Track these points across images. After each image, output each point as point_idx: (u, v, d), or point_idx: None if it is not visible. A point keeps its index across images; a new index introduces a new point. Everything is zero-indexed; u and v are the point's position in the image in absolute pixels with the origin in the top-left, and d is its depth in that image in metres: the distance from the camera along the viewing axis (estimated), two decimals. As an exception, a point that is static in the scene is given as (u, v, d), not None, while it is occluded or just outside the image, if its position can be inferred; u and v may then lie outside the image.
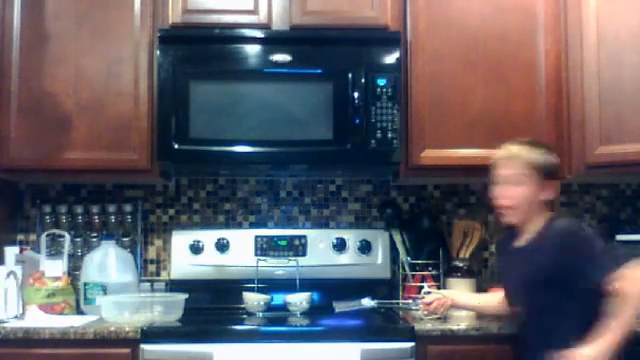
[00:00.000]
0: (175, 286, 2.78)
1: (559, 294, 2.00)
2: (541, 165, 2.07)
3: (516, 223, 2.12)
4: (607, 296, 1.90)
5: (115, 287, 2.57)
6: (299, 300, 2.60)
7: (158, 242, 2.94)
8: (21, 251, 2.64)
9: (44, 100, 2.58)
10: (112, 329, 2.23)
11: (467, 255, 2.80)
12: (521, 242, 2.13)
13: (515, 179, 2.06)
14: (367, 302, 2.57)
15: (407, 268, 2.82)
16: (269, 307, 2.61)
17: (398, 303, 2.66)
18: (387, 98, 2.53)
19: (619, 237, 2.57)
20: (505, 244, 2.23)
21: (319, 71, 2.58)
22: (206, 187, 2.97)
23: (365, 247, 2.84)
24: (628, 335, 1.87)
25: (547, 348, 1.98)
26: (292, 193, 2.99)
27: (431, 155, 2.61)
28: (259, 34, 2.59)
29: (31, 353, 2.21)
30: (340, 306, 2.55)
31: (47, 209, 2.86)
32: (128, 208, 2.88)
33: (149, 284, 2.81)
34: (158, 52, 2.54)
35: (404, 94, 2.60)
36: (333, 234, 2.87)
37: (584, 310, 1.99)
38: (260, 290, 2.68)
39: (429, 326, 2.28)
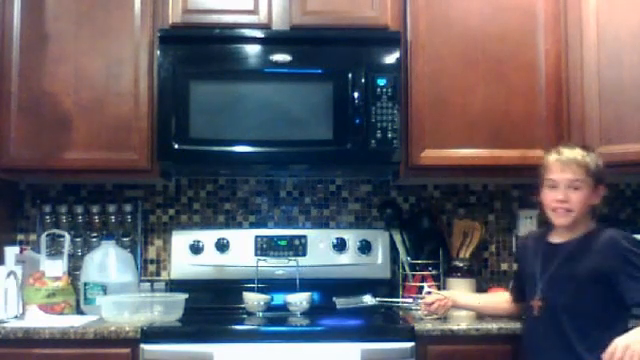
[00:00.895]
0: (175, 286, 2.78)
1: (594, 297, 2.00)
2: (595, 170, 2.08)
3: (567, 225, 2.10)
4: None
5: (115, 287, 2.56)
6: (299, 300, 2.60)
7: (158, 242, 2.94)
8: (21, 251, 2.64)
9: (44, 100, 2.58)
10: (112, 329, 2.23)
11: (467, 255, 2.80)
12: (561, 239, 2.12)
13: (573, 184, 2.06)
14: (368, 299, 2.57)
15: (407, 268, 2.82)
16: (269, 307, 2.61)
17: (398, 302, 2.66)
18: (387, 98, 2.53)
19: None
20: (535, 240, 2.23)
21: (319, 71, 2.58)
22: (206, 187, 2.97)
23: (365, 247, 2.83)
24: None
25: (564, 346, 1.99)
26: (292, 193, 2.99)
27: (431, 155, 2.61)
28: (259, 34, 2.59)
29: (31, 353, 2.21)
30: (341, 301, 2.56)
31: (47, 209, 2.86)
32: (128, 208, 2.88)
33: (149, 284, 2.81)
34: (158, 52, 2.54)
35: (404, 94, 2.60)
36: (333, 234, 2.87)
37: (613, 320, 1.98)
38: (260, 290, 2.68)
39: (429, 326, 2.27)
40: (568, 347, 1.99)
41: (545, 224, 2.24)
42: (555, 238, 2.15)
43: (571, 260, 2.06)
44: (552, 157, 2.12)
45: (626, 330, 1.91)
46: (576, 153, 2.10)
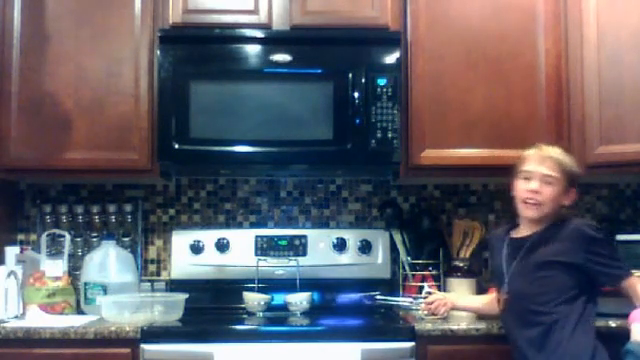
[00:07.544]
0: (175, 286, 2.78)
1: (557, 278, 2.03)
2: (570, 171, 2.13)
3: (536, 218, 2.13)
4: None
5: (115, 287, 2.56)
6: (299, 300, 2.60)
7: (158, 242, 2.94)
8: (21, 251, 2.65)
9: (44, 100, 2.58)
10: (112, 329, 2.23)
11: (467, 255, 2.80)
12: (523, 233, 2.15)
13: (547, 179, 2.10)
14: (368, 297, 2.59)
15: (407, 268, 2.81)
16: (269, 307, 2.62)
17: (398, 302, 2.65)
18: (387, 98, 2.53)
19: (619, 237, 2.56)
20: (499, 237, 2.26)
21: (319, 71, 2.58)
22: (206, 187, 2.97)
23: (365, 247, 2.84)
24: None
25: (532, 324, 2.03)
26: (292, 193, 2.99)
27: (431, 155, 2.61)
28: (259, 34, 2.59)
29: (31, 353, 2.21)
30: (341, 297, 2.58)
31: (47, 209, 2.86)
32: (128, 208, 2.88)
33: (149, 284, 2.81)
34: (158, 52, 2.54)
35: (404, 94, 2.60)
36: (333, 234, 2.87)
37: (579, 296, 2.03)
38: (260, 290, 2.68)
39: (429, 326, 2.28)
40: (535, 324, 2.03)
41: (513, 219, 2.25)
42: (519, 233, 2.18)
43: (534, 250, 2.09)
44: (531, 150, 2.18)
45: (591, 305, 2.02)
46: (555, 151, 2.16)
